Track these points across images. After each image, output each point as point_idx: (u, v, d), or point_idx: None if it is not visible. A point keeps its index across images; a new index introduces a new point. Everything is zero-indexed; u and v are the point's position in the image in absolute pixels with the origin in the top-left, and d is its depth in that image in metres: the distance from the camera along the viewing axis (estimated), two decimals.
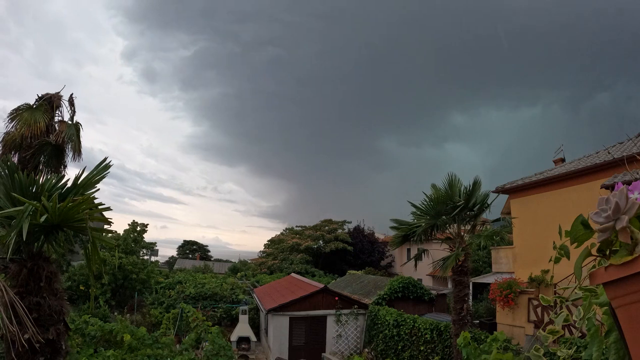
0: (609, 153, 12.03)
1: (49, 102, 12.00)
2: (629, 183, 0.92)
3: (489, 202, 11.61)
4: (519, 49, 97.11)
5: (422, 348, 13.99)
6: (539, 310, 11.58)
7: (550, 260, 1.26)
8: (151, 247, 29.60)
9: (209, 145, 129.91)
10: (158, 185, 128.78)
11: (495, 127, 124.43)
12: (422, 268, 19.51)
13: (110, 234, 6.77)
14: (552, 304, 1.42)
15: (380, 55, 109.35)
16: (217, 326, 14.18)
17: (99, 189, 5.17)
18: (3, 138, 11.24)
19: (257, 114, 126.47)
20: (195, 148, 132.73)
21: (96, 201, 4.87)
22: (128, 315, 17.60)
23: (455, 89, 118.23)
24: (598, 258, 0.95)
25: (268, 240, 45.64)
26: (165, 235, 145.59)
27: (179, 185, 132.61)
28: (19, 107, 11.60)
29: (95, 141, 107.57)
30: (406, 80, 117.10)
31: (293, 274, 26.98)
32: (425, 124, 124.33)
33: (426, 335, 13.93)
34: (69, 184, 5.13)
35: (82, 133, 12.19)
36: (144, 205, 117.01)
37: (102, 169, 5.30)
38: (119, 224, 59.75)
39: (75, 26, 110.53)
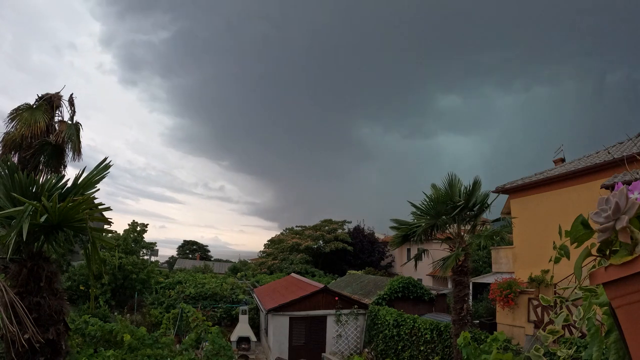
0: (609, 153, 12.03)
1: (49, 102, 12.01)
2: (629, 183, 0.92)
3: (489, 202, 11.63)
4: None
5: (422, 348, 13.99)
6: (539, 310, 11.58)
7: (550, 260, 1.26)
8: (151, 247, 29.56)
9: (192, 137, 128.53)
10: (148, 181, 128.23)
11: (503, 111, 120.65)
12: (422, 268, 19.52)
13: (110, 234, 6.77)
14: (552, 304, 1.42)
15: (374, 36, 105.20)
16: (217, 326, 14.18)
17: (99, 189, 5.17)
18: (3, 138, 11.24)
19: (242, 104, 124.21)
20: (180, 141, 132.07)
21: (96, 201, 4.88)
22: (128, 315, 17.59)
23: (455, 72, 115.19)
24: (598, 258, 0.95)
25: (268, 240, 45.71)
26: (165, 235, 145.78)
27: (169, 182, 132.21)
28: (19, 107, 11.61)
29: (82, 137, 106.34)
30: (398, 67, 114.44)
31: (293, 274, 26.97)
32: (423, 113, 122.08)
33: (426, 335, 13.93)
34: (69, 184, 5.13)
35: (81, 133, 12.23)
36: (140, 204, 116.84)
37: (102, 169, 5.30)
38: (116, 224, 59.68)
39: (52, 14, 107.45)
